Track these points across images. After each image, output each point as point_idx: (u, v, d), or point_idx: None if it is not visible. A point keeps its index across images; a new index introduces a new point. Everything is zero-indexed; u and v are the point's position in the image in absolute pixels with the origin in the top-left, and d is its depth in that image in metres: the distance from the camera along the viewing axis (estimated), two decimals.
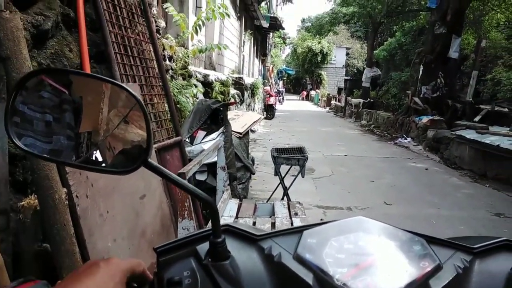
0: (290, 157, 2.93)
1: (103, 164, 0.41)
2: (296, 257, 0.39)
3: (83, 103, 0.40)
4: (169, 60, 3.47)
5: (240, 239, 0.43)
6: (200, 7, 5.62)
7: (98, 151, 0.40)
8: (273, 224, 1.76)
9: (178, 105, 3.09)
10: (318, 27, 17.73)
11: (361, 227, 0.42)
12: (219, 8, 3.72)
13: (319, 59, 28.67)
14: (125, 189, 1.54)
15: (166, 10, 3.55)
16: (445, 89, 8.42)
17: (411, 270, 0.37)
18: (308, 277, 0.36)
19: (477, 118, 7.05)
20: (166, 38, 3.60)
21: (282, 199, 2.92)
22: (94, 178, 1.33)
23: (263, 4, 14.59)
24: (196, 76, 4.34)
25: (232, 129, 3.03)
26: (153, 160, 0.42)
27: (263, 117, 11.97)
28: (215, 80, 5.30)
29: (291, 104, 22.77)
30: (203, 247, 0.41)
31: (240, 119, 3.89)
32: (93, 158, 0.41)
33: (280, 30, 18.14)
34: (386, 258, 0.38)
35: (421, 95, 8.73)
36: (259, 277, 0.39)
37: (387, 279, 0.36)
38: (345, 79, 20.52)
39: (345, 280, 0.36)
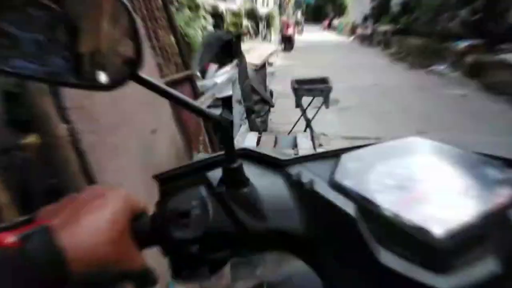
0: (312, 87, 2.73)
1: (89, 80, 0.36)
2: (333, 184, 0.32)
3: (79, 19, 0.36)
4: None
5: (261, 165, 0.37)
6: None
7: (83, 66, 0.36)
8: None
9: (186, 38, 2.90)
10: None
11: (416, 149, 0.35)
12: None
13: None
14: (133, 124, 1.50)
15: None
16: (486, 11, 7.50)
17: (484, 198, 0.30)
18: (349, 207, 0.30)
19: None
20: None
21: (305, 130, 2.80)
22: (98, 114, 1.30)
23: None
24: (205, 8, 4.04)
25: (248, 61, 2.84)
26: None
27: (280, 48, 11.55)
28: (225, 11, 4.92)
29: (311, 35, 21.76)
30: (215, 174, 0.35)
31: (255, 51, 3.67)
32: (72, 71, 0.35)
33: None
34: (449, 184, 0.31)
35: (459, 18, 7.92)
36: (285, 207, 0.34)
37: (452, 209, 0.29)
38: (372, 7, 18.79)
39: (396, 210, 0.29)
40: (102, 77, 0.35)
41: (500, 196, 0.30)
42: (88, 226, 0.29)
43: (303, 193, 0.34)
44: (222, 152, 0.35)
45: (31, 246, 0.25)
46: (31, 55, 0.34)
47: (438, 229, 0.28)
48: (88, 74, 0.35)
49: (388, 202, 0.30)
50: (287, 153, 0.38)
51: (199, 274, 0.35)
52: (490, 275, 0.27)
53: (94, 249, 0.28)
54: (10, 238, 0.25)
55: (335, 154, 0.36)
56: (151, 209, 0.36)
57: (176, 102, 0.34)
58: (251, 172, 0.36)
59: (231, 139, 0.34)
